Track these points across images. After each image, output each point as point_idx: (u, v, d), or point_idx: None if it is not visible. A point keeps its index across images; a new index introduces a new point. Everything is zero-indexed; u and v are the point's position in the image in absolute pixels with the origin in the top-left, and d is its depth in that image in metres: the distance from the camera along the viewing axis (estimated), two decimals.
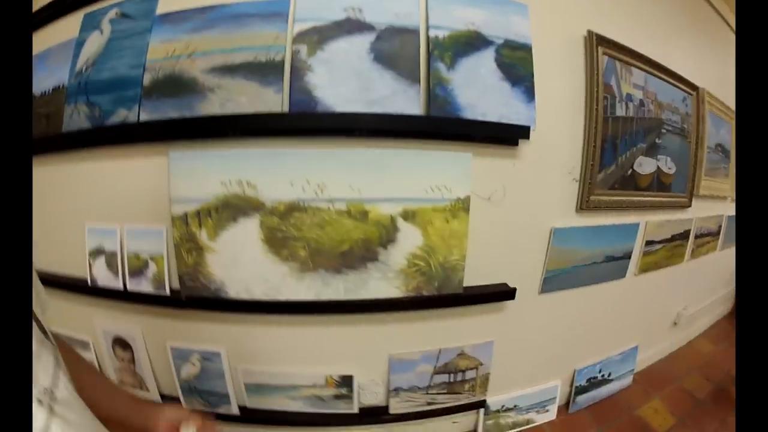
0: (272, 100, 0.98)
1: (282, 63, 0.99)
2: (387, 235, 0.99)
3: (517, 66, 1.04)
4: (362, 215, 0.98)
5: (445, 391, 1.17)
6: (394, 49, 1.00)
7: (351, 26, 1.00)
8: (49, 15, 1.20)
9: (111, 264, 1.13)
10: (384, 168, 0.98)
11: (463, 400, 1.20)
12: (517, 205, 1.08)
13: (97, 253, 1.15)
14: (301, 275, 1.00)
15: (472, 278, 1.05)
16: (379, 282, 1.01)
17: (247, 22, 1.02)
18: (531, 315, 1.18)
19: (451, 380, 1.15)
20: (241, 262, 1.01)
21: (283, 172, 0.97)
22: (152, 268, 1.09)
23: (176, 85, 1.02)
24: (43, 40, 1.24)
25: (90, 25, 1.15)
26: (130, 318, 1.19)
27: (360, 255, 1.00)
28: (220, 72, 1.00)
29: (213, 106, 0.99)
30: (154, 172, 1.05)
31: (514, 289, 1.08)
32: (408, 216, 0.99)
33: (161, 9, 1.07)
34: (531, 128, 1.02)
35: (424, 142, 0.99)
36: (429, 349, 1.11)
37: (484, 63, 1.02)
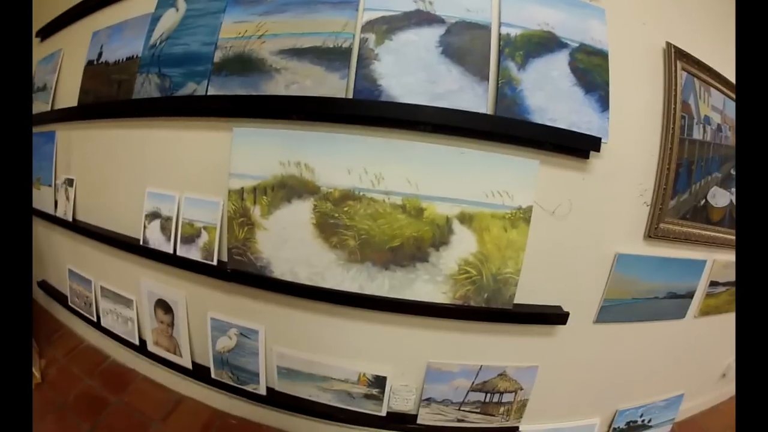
0: (337, 86, 0.94)
1: (349, 50, 0.94)
2: (441, 236, 0.93)
3: (591, 72, 0.95)
4: (417, 212, 0.93)
5: (478, 410, 1.09)
6: (463, 44, 0.93)
7: (421, 18, 0.94)
8: None
9: (165, 228, 1.14)
10: (445, 166, 0.91)
11: (495, 423, 1.11)
12: (581, 222, 0.98)
13: (153, 216, 1.16)
14: (348, 265, 0.96)
15: (524, 295, 0.97)
16: (427, 284, 0.95)
17: (318, 8, 0.98)
18: (582, 344, 1.07)
19: (487, 400, 1.07)
20: (289, 243, 0.97)
21: (342, 158, 0.93)
22: (204, 237, 1.08)
23: (245, 64, 1.00)
24: (119, 12, 1.27)
25: (166, 2, 1.15)
26: (176, 283, 1.19)
27: (410, 253, 0.94)
28: (288, 54, 0.97)
29: (278, 86, 0.96)
30: (216, 145, 1.04)
31: (567, 314, 0.99)
32: (465, 219, 0.92)
33: None
34: (603, 140, 0.93)
35: (489, 143, 0.92)
36: (469, 364, 1.04)
37: (556, 66, 0.94)
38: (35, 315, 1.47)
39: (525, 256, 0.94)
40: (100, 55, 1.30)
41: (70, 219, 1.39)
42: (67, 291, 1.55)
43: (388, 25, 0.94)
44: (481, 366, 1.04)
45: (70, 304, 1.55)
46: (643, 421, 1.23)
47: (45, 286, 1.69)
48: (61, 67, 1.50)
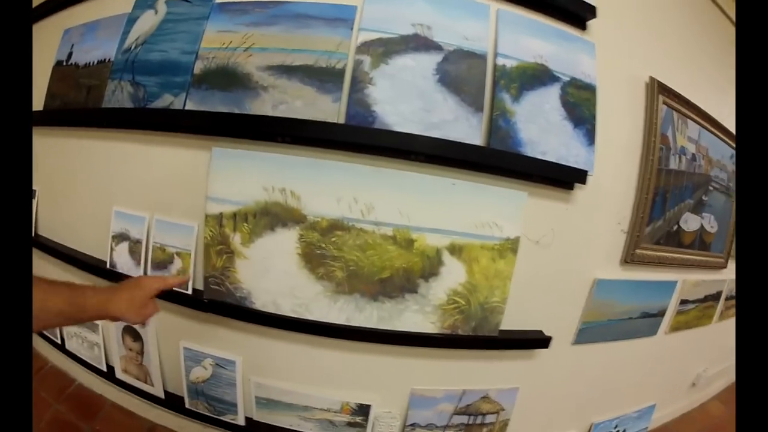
0: (329, 109, 0.82)
1: (342, 71, 0.82)
2: (431, 267, 0.83)
3: (580, 106, 0.89)
4: (408, 243, 0.82)
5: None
6: (460, 73, 0.84)
7: (418, 43, 0.84)
8: None
9: (134, 252, 0.96)
10: (436, 197, 0.81)
11: None
12: (563, 250, 0.92)
13: (121, 237, 0.98)
14: (335, 297, 0.84)
15: (507, 321, 0.90)
16: (416, 315, 0.85)
17: (310, 24, 0.86)
18: (560, 365, 1.02)
19: (470, 422, 0.99)
20: (272, 273, 0.84)
21: (331, 186, 0.81)
22: (177, 263, 0.92)
23: (228, 79, 0.85)
24: (94, 9, 1.07)
25: (144, 2, 0.97)
26: None
27: (399, 284, 0.83)
28: (277, 71, 0.83)
29: (265, 105, 0.83)
30: (192, 165, 0.88)
31: (549, 338, 0.93)
32: (455, 250, 0.83)
33: None
34: (588, 173, 0.88)
35: (481, 175, 0.83)
36: (453, 389, 0.95)
37: (549, 99, 0.87)
38: None
39: (511, 284, 0.88)
40: (70, 55, 1.09)
41: (32, 234, 1.18)
42: None
43: (385, 48, 0.83)
44: (465, 390, 0.95)
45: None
46: (617, 431, 1.22)
47: None
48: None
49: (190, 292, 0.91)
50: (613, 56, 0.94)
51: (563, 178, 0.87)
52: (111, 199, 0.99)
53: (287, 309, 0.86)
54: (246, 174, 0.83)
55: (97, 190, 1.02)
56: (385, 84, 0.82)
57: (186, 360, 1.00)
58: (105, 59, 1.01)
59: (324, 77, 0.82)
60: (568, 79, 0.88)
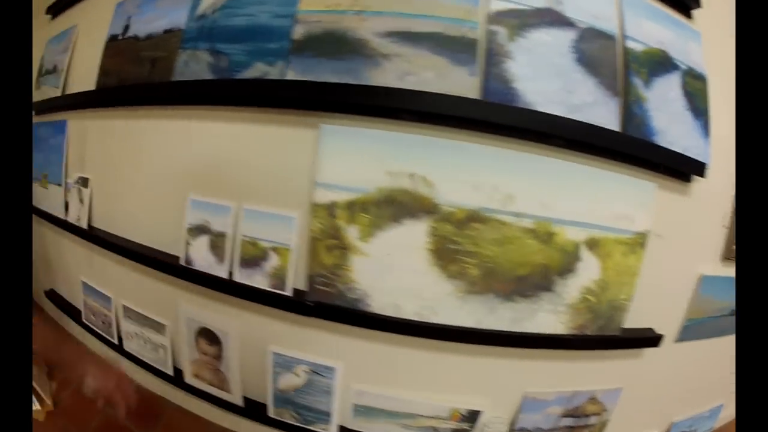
0: (465, 83, 0.63)
1: (475, 42, 0.64)
2: (568, 263, 0.66)
3: (697, 97, 0.77)
4: (548, 237, 0.65)
5: None
6: (594, 54, 0.68)
7: (552, 17, 0.68)
8: None
9: (217, 247, 0.72)
10: (576, 186, 0.66)
11: None
12: (674, 245, 0.78)
13: (199, 230, 0.73)
14: (466, 297, 0.65)
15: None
16: (549, 315, 0.68)
17: None
18: (662, 363, 0.87)
19: (575, 425, 0.83)
20: (395, 271, 0.64)
21: (468, 171, 0.62)
22: (273, 260, 0.68)
23: (339, 45, 0.64)
24: None
25: None
26: (227, 311, 0.77)
27: (536, 282, 0.66)
28: (399, 38, 0.63)
29: (388, 76, 0.62)
30: (294, 145, 0.66)
31: (661, 336, 0.79)
32: (592, 245, 0.67)
33: None
34: (706, 166, 0.76)
35: (618, 164, 0.68)
36: (565, 391, 0.78)
37: (672, 87, 0.74)
38: (42, 328, 0.97)
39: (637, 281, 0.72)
40: (126, 28, 0.83)
41: (85, 226, 0.89)
42: (81, 306, 1.02)
43: (519, 20, 0.66)
44: (575, 392, 0.80)
45: (84, 320, 1.02)
46: (690, 430, 1.10)
47: (54, 297, 1.12)
48: (76, 45, 0.97)
49: (289, 293, 0.69)
50: (719, 47, 0.81)
51: (686, 170, 0.74)
52: (184, 186, 0.74)
53: (410, 312, 0.66)
54: (365, 156, 0.63)
55: (168, 176, 0.77)
56: (523, 59, 0.65)
57: (275, 366, 0.77)
58: (172, 28, 0.76)
59: (456, 47, 0.63)
60: (685, 67, 0.76)
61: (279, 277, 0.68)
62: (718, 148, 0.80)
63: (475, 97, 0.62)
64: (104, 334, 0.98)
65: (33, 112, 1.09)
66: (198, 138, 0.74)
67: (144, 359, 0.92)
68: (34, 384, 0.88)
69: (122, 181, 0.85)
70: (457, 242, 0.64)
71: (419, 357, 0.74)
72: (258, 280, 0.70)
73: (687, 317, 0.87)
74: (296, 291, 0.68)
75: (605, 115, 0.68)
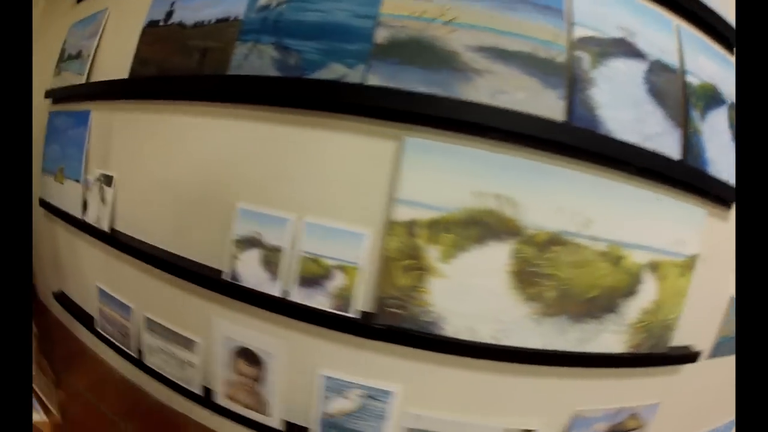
0: (553, 106, 0.62)
1: (563, 66, 0.64)
2: (632, 285, 0.67)
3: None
4: (617, 260, 0.66)
5: None
6: (662, 86, 0.70)
7: (626, 48, 0.69)
8: None
9: (270, 262, 0.65)
10: (644, 211, 0.67)
11: None
12: (713, 267, 0.81)
13: (249, 243, 0.65)
14: (541, 319, 0.64)
15: None
16: (611, 335, 0.68)
17: (518, 7, 0.64)
18: (694, 378, 0.90)
19: None
20: (474, 294, 0.61)
21: (553, 195, 0.61)
22: (337, 279, 0.63)
23: (427, 54, 0.60)
24: None
25: None
26: (272, 330, 0.69)
27: (603, 304, 0.67)
28: (490, 54, 0.61)
29: (480, 93, 0.60)
30: (370, 157, 0.61)
31: (699, 353, 0.82)
32: (653, 268, 0.69)
33: None
34: None
35: (677, 191, 0.70)
36: (611, 408, 0.79)
37: (721, 120, 0.78)
38: (49, 330, 0.92)
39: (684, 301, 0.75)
40: (169, 14, 0.73)
41: (107, 229, 0.78)
42: (96, 312, 0.90)
43: (600, 48, 0.66)
44: (620, 408, 0.82)
45: (97, 328, 0.90)
46: None
47: (63, 300, 0.99)
48: (105, 29, 0.85)
49: (355, 315, 0.63)
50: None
51: (729, 198, 0.79)
52: (232, 193, 0.66)
53: (486, 335, 0.64)
54: (451, 173, 0.59)
55: (210, 179, 0.69)
56: (605, 87, 0.65)
57: (325, 390, 0.71)
58: (228, 17, 0.68)
59: (546, 69, 0.62)
60: (731, 102, 0.81)
61: (344, 297, 0.63)
62: None
63: (563, 121, 0.62)
64: (121, 346, 0.87)
65: (50, 100, 0.95)
66: (252, 140, 0.66)
67: (167, 375, 0.82)
68: (41, 393, 0.76)
69: (153, 181, 0.75)
70: (537, 264, 0.63)
71: (477, 379, 0.72)
72: (319, 300, 0.63)
73: (720, 335, 0.92)
74: (362, 313, 0.63)
75: (671, 145, 0.70)
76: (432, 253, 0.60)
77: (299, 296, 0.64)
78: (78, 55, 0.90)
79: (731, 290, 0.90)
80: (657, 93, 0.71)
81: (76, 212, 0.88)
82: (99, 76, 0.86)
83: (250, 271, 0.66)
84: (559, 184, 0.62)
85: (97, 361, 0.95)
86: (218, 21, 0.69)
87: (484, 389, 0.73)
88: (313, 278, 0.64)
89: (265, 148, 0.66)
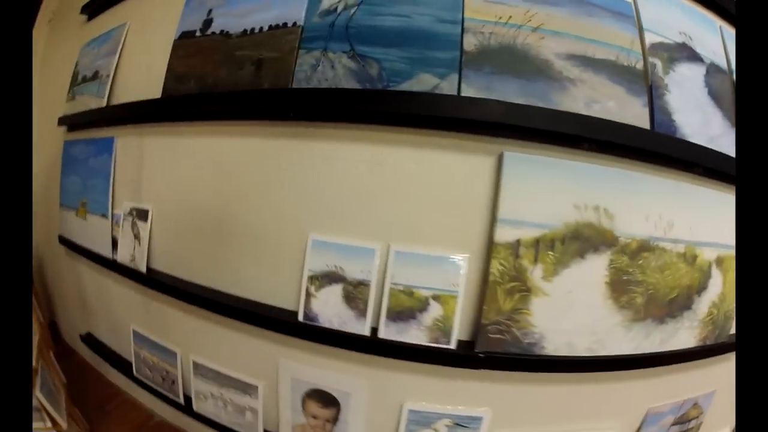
0: (640, 114, 0.60)
1: (642, 73, 0.63)
2: (704, 282, 0.70)
3: None
4: (692, 259, 0.68)
5: None
6: (718, 88, 0.72)
7: (688, 53, 0.70)
8: None
9: (354, 298, 0.58)
10: (712, 211, 0.69)
11: None
12: None
13: (327, 278, 0.58)
14: (630, 326, 0.64)
15: None
16: (686, 332, 0.70)
17: (595, 13, 0.62)
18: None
19: (680, 431, 0.86)
20: (574, 309, 0.59)
21: (641, 202, 0.61)
22: (434, 310, 0.58)
23: (521, 62, 0.56)
24: None
25: None
26: (353, 369, 0.64)
27: (681, 303, 0.68)
28: (580, 62, 0.58)
29: (576, 102, 0.57)
30: (466, 174, 0.56)
31: None
32: (719, 262, 0.71)
33: None
34: None
35: (731, 187, 0.75)
36: (677, 401, 0.81)
37: None
38: (78, 375, 0.82)
39: None
40: (208, 23, 0.62)
41: (143, 269, 0.67)
42: (132, 356, 0.79)
43: (668, 54, 0.65)
44: (685, 400, 0.83)
45: (136, 374, 0.79)
46: None
47: (92, 342, 0.88)
48: (125, 46, 0.72)
49: (453, 346, 0.59)
50: None
51: None
52: (305, 224, 0.58)
53: (582, 348, 0.62)
54: (551, 188, 0.56)
55: (273, 208, 0.59)
56: (676, 92, 0.65)
57: (409, 424, 0.66)
58: (284, 23, 0.58)
59: (629, 77, 0.61)
60: None
61: (442, 329, 0.58)
62: None
63: (648, 128, 0.62)
64: (165, 392, 0.77)
65: (64, 128, 0.81)
66: (325, 161, 0.58)
67: (223, 423, 0.74)
68: (47, 404, 0.64)
69: (197, 213, 0.64)
70: (630, 272, 0.62)
71: (559, 391, 0.71)
72: (413, 334, 0.58)
73: None
74: (459, 342, 0.59)
75: (729, 145, 0.74)
76: (536, 273, 0.58)
77: (390, 332, 0.58)
78: (95, 77, 0.76)
79: None
80: (715, 95, 0.73)
81: (105, 251, 0.75)
82: (121, 97, 0.74)
83: (331, 310, 0.58)
84: (645, 190, 0.62)
85: (137, 407, 0.84)
86: (272, 28, 0.59)
87: (566, 400, 0.72)
88: (407, 311, 0.58)
89: (342, 170, 0.58)
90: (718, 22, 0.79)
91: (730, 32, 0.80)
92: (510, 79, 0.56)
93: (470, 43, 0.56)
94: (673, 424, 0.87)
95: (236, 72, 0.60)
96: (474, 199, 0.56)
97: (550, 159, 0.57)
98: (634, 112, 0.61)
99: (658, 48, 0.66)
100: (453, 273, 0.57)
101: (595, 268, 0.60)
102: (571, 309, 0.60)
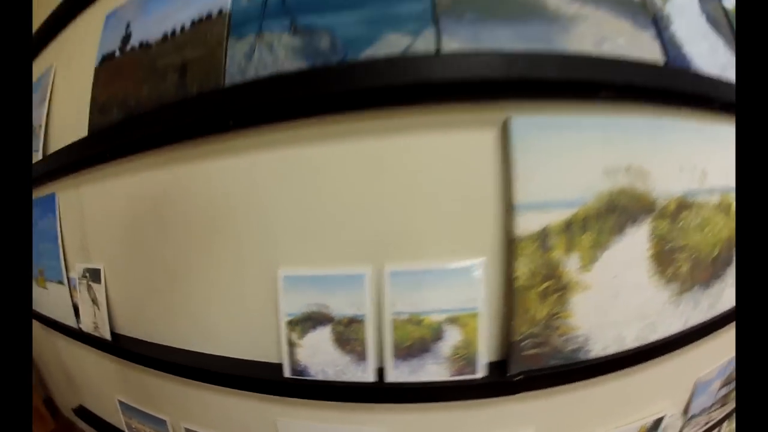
0: (652, 48, 0.46)
1: (643, 3, 0.50)
2: (734, 229, 0.61)
3: None
4: (728, 209, 0.54)
5: (720, 405, 0.75)
6: (713, 13, 0.60)
7: None
8: None
9: (345, 339, 0.41)
10: (731, 148, 0.60)
11: (728, 409, 0.77)
12: None
13: (309, 322, 0.41)
14: (679, 299, 0.50)
15: None
16: (730, 288, 0.57)
17: None
18: None
19: (727, 392, 0.74)
20: (621, 296, 0.45)
21: (672, 152, 0.46)
22: (452, 337, 0.41)
23: (508, 3, 0.40)
24: None
25: None
26: (363, 419, 0.46)
27: (725, 258, 0.55)
28: None
29: (584, 43, 0.42)
30: (466, 156, 0.40)
31: None
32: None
33: None
34: None
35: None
36: (723, 362, 0.68)
37: None
38: None
39: None
40: (126, 39, 0.45)
41: (108, 336, 0.52)
42: (122, 425, 0.64)
43: None
44: (729, 360, 0.70)
45: None
46: None
47: (85, 415, 0.73)
48: (53, 89, 0.55)
49: (480, 374, 0.43)
50: None
51: None
52: (267, 256, 0.41)
53: (632, 338, 0.48)
54: (575, 154, 0.41)
55: (229, 245, 0.42)
56: (680, 22, 0.51)
57: None
58: (207, 15, 0.40)
59: (632, 8, 0.46)
60: None
61: (465, 357, 0.41)
62: None
63: (665, 65, 0.48)
64: None
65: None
66: (278, 175, 0.40)
67: None
68: None
69: (152, 264, 0.47)
70: (673, 239, 0.48)
71: (607, 390, 0.54)
72: (432, 370, 0.42)
73: None
74: (492, 365, 0.43)
75: (732, 74, 0.64)
76: (572, 264, 0.42)
77: (401, 373, 0.41)
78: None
79: None
80: (714, 22, 0.61)
81: (70, 320, 0.59)
82: (55, 147, 0.55)
83: (322, 358, 0.41)
84: (673, 138, 0.47)
85: None
86: (194, 24, 0.41)
87: (615, 397, 0.57)
88: (416, 344, 0.41)
89: (304, 181, 0.40)
90: None
91: None
92: (501, 24, 0.39)
93: None
94: (721, 387, 0.79)
95: (159, 85, 0.42)
96: (481, 185, 0.40)
97: (566, 118, 0.42)
98: (646, 47, 0.46)
99: None
100: (469, 286, 0.41)
101: (637, 241, 0.45)
102: (618, 296, 0.45)
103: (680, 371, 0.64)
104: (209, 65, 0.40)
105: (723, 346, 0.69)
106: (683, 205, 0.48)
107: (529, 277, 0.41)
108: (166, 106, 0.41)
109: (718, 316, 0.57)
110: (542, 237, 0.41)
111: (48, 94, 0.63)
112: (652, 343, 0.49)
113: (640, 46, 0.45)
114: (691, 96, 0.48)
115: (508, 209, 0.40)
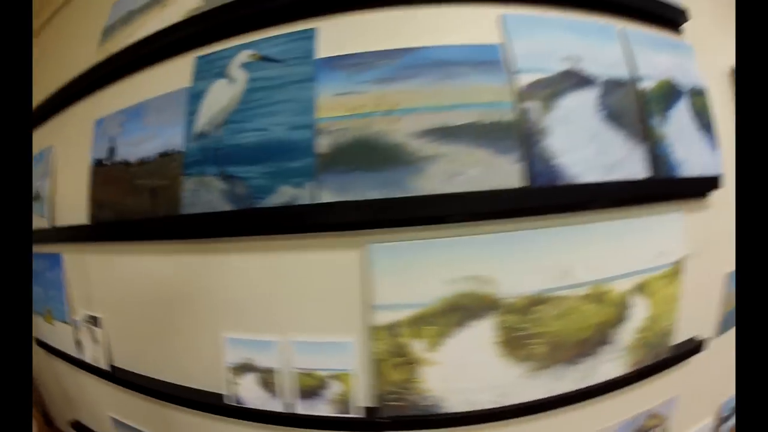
0: (510, 172, 0.53)
1: (512, 124, 0.54)
2: (621, 314, 0.62)
3: (703, 113, 0.69)
4: (601, 297, 0.60)
5: None
6: (617, 106, 0.60)
7: (575, 79, 0.58)
8: (141, 58, 0.62)
9: (268, 383, 0.61)
10: (620, 241, 0.60)
11: None
12: (703, 255, 0.72)
13: (244, 369, 0.61)
14: (537, 374, 0.60)
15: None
16: (608, 364, 0.64)
17: (456, 72, 0.54)
18: (708, 359, 0.80)
19: None
20: (467, 371, 0.57)
21: (525, 259, 0.55)
22: (334, 387, 0.59)
23: (373, 153, 0.52)
24: (130, 91, 0.64)
25: (209, 70, 0.57)
26: None
27: (595, 340, 0.62)
28: (438, 136, 0.52)
29: (433, 181, 0.52)
30: (338, 270, 0.55)
31: (703, 341, 0.75)
32: (640, 289, 0.63)
33: (324, 51, 0.55)
34: (720, 178, 0.69)
35: (649, 207, 0.62)
36: (626, 419, 0.74)
37: (683, 114, 0.66)
38: None
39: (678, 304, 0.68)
40: (111, 151, 0.65)
41: (107, 367, 0.74)
42: None
43: (549, 90, 0.55)
44: (635, 415, 0.75)
45: None
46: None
47: (81, 429, 0.96)
48: (56, 169, 0.78)
49: (359, 414, 0.60)
50: (708, 54, 0.73)
51: (706, 189, 0.69)
52: (217, 325, 0.61)
53: (485, 402, 0.59)
54: (420, 269, 0.53)
55: (195, 316, 0.63)
56: (561, 131, 0.56)
57: None
58: (169, 151, 0.60)
59: (495, 135, 0.53)
60: (689, 88, 0.69)
61: (344, 402, 0.59)
62: (726, 152, 0.72)
63: (522, 185, 0.52)
64: None
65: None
66: (224, 273, 0.60)
67: None
68: None
69: (139, 319, 0.70)
70: (523, 328, 0.57)
71: None
72: (321, 408, 0.60)
73: (725, 311, 0.81)
74: (368, 409, 0.59)
75: (636, 165, 0.60)
76: (418, 347, 0.55)
77: (302, 408, 0.60)
78: (37, 197, 0.82)
79: (725, 268, 0.78)
80: (614, 116, 0.60)
81: (73, 351, 0.82)
82: (62, 215, 0.78)
83: (253, 394, 0.62)
84: (529, 245, 0.54)
85: None
86: (160, 155, 0.60)
87: None
88: (311, 390, 0.59)
89: (240, 277, 0.59)
90: (617, 24, 0.65)
91: (635, 31, 0.66)
92: (365, 174, 0.51)
93: (323, 144, 0.52)
94: None
95: (138, 200, 0.62)
96: (350, 290, 0.54)
97: (417, 242, 0.52)
98: (502, 173, 0.53)
99: (535, 87, 0.56)
100: (344, 355, 0.57)
101: (482, 332, 0.55)
102: (463, 371, 0.57)
103: (571, 428, 0.70)
104: (172, 193, 0.58)
105: (625, 406, 0.74)
106: (536, 301, 0.56)
107: (385, 354, 0.55)
108: (146, 220, 0.61)
109: (596, 385, 0.63)
110: (392, 328, 0.54)
111: (51, 171, 0.80)
112: (509, 407, 0.59)
113: (496, 173, 0.52)
114: (556, 207, 0.54)
115: (369, 307, 0.54)
